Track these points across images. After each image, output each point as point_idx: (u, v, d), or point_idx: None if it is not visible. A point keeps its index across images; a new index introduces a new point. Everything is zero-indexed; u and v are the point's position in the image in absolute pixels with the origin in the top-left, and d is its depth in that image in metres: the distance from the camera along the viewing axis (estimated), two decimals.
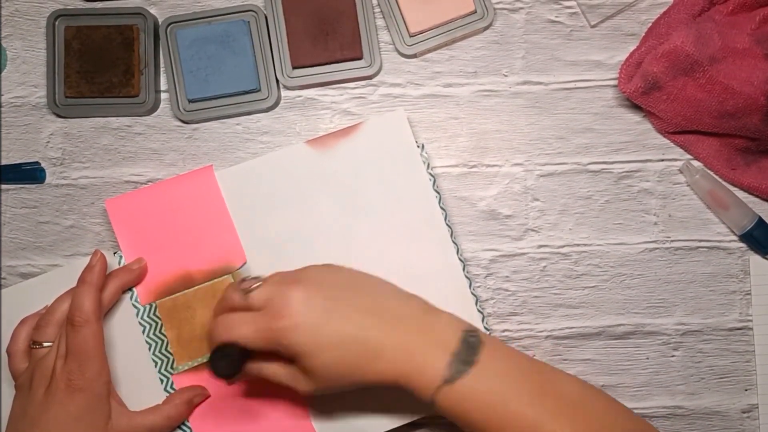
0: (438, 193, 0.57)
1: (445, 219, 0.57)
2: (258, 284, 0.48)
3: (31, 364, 0.51)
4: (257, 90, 0.59)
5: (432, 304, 0.49)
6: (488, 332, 0.56)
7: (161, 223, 0.56)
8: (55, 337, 0.51)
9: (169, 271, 0.56)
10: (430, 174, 0.57)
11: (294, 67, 0.59)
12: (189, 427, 0.55)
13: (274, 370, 0.49)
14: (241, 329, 0.47)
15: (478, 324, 0.56)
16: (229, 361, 0.47)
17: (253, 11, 0.59)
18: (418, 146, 0.57)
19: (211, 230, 0.56)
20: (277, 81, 0.59)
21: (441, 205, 0.57)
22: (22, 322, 0.54)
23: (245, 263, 0.56)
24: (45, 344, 0.51)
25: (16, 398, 0.51)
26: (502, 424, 0.44)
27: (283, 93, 0.61)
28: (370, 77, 0.60)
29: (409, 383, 0.46)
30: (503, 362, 0.46)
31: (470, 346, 0.46)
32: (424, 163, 0.57)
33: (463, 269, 0.56)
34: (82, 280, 0.51)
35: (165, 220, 0.56)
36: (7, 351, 0.53)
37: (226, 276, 0.56)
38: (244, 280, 0.49)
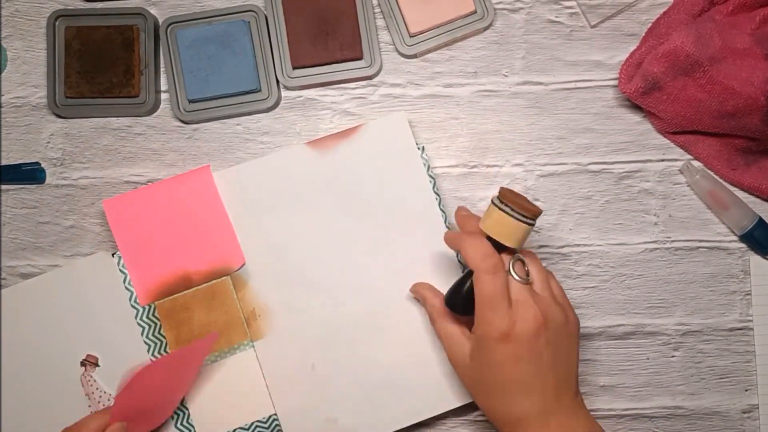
0: (438, 195, 0.57)
1: (445, 221, 0.57)
2: (519, 280, 0.47)
3: None
4: (257, 90, 0.59)
5: (579, 393, 0.50)
6: None
7: (159, 223, 0.56)
8: None
9: (167, 272, 0.56)
10: (431, 176, 0.57)
11: (294, 68, 0.59)
12: (192, 425, 0.55)
13: (453, 330, 0.50)
14: (497, 286, 0.46)
15: None
16: (466, 301, 0.48)
17: (253, 11, 0.59)
18: (418, 148, 0.57)
19: (209, 231, 0.56)
20: (277, 81, 0.59)
21: (441, 206, 0.57)
22: (104, 412, 0.52)
23: (244, 264, 0.56)
24: None
25: None
26: None
27: (284, 93, 0.61)
28: (370, 77, 0.60)
29: None
30: None
31: None
32: (425, 165, 0.57)
33: (463, 271, 0.56)
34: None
35: (163, 221, 0.56)
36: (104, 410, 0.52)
37: (224, 277, 0.56)
38: (518, 262, 0.48)
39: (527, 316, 0.46)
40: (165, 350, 0.55)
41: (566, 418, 0.48)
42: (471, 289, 0.48)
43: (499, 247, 0.48)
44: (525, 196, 0.49)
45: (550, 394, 0.47)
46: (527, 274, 0.48)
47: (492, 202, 0.48)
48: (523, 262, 0.48)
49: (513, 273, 0.47)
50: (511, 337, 0.46)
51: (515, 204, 0.47)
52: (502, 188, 0.49)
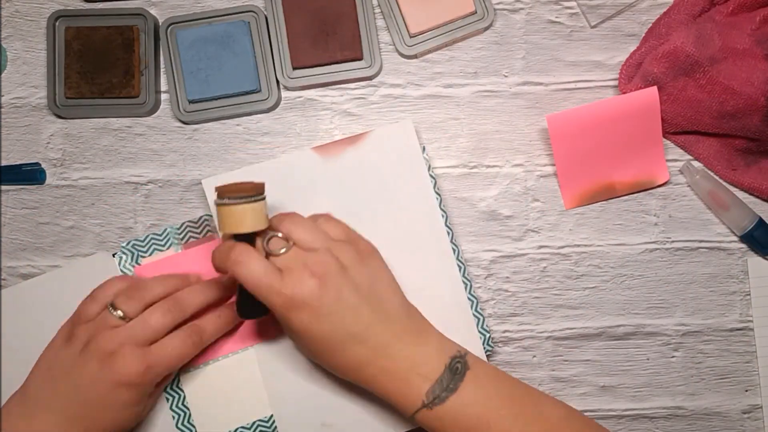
0: (439, 195, 0.57)
1: (446, 222, 0.57)
2: (283, 251, 0.47)
3: (96, 326, 0.50)
4: (258, 91, 0.59)
5: (427, 324, 0.50)
6: (487, 333, 0.56)
7: (594, 136, 0.57)
8: (134, 314, 0.50)
9: (594, 181, 0.58)
10: (432, 176, 0.57)
11: (294, 68, 0.59)
12: (193, 425, 0.55)
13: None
14: (253, 274, 0.46)
15: (473, 329, 0.56)
16: (256, 306, 0.48)
17: (254, 12, 0.59)
18: (420, 148, 0.57)
19: (641, 146, 0.58)
20: (278, 82, 0.59)
21: (441, 207, 0.57)
22: (122, 278, 0.53)
23: (668, 181, 0.59)
24: (118, 313, 0.50)
25: (58, 347, 0.51)
26: None
27: (284, 94, 0.61)
28: (370, 78, 0.60)
29: (389, 401, 0.48)
30: (486, 388, 0.47)
31: (454, 372, 0.47)
32: (426, 164, 0.57)
33: (463, 273, 0.56)
34: (206, 283, 0.53)
35: (599, 134, 0.57)
36: (93, 294, 0.52)
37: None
38: (273, 238, 0.48)
39: (301, 277, 0.46)
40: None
41: (411, 341, 0.48)
42: (244, 290, 0.48)
43: (245, 239, 0.47)
44: (246, 180, 0.48)
45: (377, 329, 0.47)
46: (288, 241, 0.48)
47: (215, 203, 0.48)
48: (278, 236, 0.48)
49: (269, 250, 0.47)
50: (296, 304, 0.45)
51: (231, 192, 0.47)
52: (216, 187, 0.48)
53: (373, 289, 0.48)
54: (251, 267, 0.46)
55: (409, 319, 0.49)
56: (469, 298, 0.56)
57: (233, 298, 0.54)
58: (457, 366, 0.47)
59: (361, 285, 0.48)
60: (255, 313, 0.50)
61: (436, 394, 0.46)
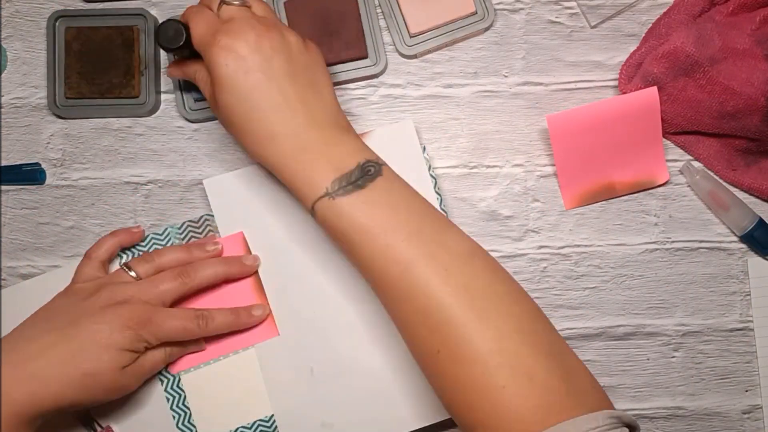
0: (439, 195, 0.57)
1: None
2: (236, 4, 0.48)
3: (106, 278, 0.52)
4: None
5: (352, 130, 0.49)
6: None
7: (594, 136, 0.57)
8: (146, 277, 0.52)
9: (594, 180, 0.59)
10: (432, 176, 0.57)
11: None
12: (193, 425, 0.55)
13: (195, 68, 0.50)
14: (198, 21, 0.48)
15: None
16: (177, 35, 0.48)
17: None
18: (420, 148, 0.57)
19: (640, 146, 0.58)
20: None
21: (442, 207, 0.57)
22: (114, 234, 0.55)
23: (668, 181, 0.59)
24: (132, 273, 0.52)
25: (60, 297, 0.52)
26: (372, 253, 0.44)
27: None
28: (375, 76, 0.60)
29: (293, 186, 0.47)
30: (394, 196, 0.46)
31: (365, 172, 0.46)
32: (426, 164, 0.57)
33: None
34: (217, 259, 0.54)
35: (598, 134, 0.57)
36: (87, 253, 0.54)
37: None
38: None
39: (241, 17, 0.47)
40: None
41: (330, 140, 0.47)
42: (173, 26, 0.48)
43: None
44: None
45: (299, 130, 0.46)
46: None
47: None
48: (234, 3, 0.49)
49: (226, 1, 0.48)
50: (228, 43, 0.45)
51: None
52: None
53: (309, 80, 0.48)
54: (201, 16, 0.48)
55: (336, 124, 0.48)
56: None
57: (247, 302, 0.55)
58: (370, 168, 0.46)
59: (297, 72, 0.47)
60: (171, 42, 0.49)
61: (342, 185, 0.45)
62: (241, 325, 0.54)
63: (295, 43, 0.48)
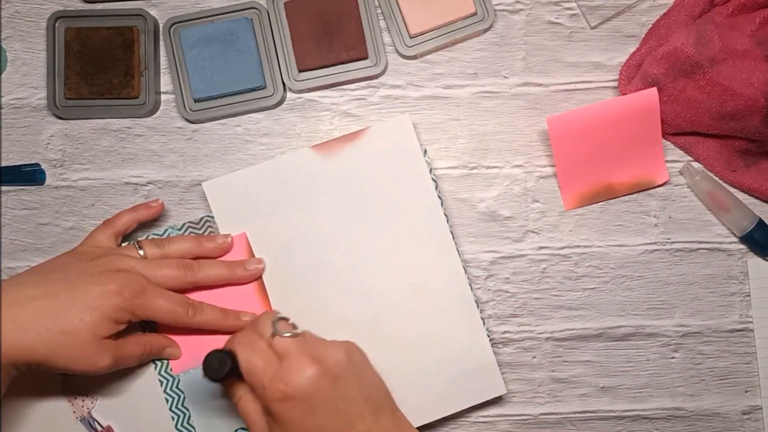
0: (440, 198, 0.57)
1: (447, 222, 0.57)
2: (288, 335, 0.48)
3: (114, 249, 0.53)
4: (263, 87, 0.59)
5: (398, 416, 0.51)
6: (488, 335, 0.56)
7: (594, 137, 0.57)
8: (152, 257, 0.53)
9: (594, 181, 0.59)
10: (434, 179, 0.57)
11: (300, 71, 0.59)
12: (192, 426, 0.55)
13: (250, 407, 0.49)
14: (254, 358, 0.47)
15: (479, 326, 0.56)
16: (222, 366, 0.47)
17: (256, 8, 0.59)
18: (421, 150, 0.57)
19: (640, 147, 0.58)
20: (284, 84, 0.59)
21: (444, 208, 0.57)
22: (134, 208, 0.56)
23: (668, 181, 0.59)
24: (140, 251, 0.53)
25: (65, 255, 0.53)
26: None
27: (286, 94, 0.60)
28: (376, 76, 0.60)
29: None
30: None
31: None
32: (428, 167, 0.57)
33: (464, 272, 0.56)
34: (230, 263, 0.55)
35: (598, 135, 0.57)
36: (105, 221, 0.55)
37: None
38: (282, 319, 0.50)
39: (301, 365, 0.46)
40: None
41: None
42: (223, 359, 0.47)
43: None
44: None
45: (368, 419, 0.48)
46: (294, 326, 0.50)
47: None
48: (285, 319, 0.50)
49: (279, 332, 0.48)
50: (292, 394, 0.46)
51: None
52: None
53: (362, 385, 0.49)
54: (256, 353, 0.48)
55: (395, 414, 0.51)
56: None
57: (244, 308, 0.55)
58: None
59: (348, 381, 0.48)
60: (220, 376, 0.48)
61: None
62: (226, 327, 0.54)
63: (349, 366, 0.49)
